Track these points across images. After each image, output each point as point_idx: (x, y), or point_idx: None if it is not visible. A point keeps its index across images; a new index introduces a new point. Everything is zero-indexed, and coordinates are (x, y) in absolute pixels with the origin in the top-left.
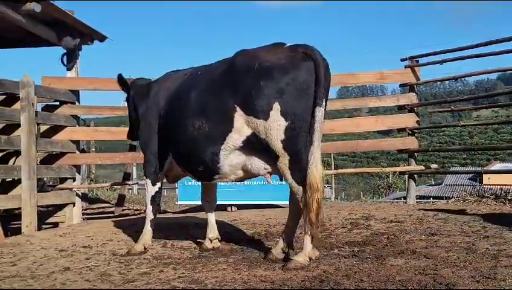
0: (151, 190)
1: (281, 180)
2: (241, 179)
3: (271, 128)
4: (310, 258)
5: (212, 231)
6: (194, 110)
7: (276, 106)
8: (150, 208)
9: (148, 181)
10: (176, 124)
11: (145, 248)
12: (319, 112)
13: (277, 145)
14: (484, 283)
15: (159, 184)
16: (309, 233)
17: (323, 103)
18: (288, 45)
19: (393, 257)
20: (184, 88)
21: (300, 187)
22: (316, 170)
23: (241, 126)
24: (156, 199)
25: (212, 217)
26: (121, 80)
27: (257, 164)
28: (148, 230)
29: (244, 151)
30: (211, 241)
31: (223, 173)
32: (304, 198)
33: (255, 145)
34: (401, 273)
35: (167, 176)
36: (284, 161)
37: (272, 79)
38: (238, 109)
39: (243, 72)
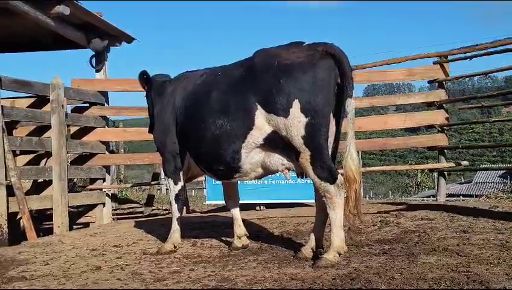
0: (174, 188)
1: (299, 176)
2: (259, 177)
3: (291, 125)
4: (340, 253)
5: (240, 228)
6: (214, 109)
7: (296, 103)
8: (175, 206)
9: (170, 180)
10: (195, 124)
11: (174, 247)
12: (350, 103)
13: (298, 141)
14: None
15: (181, 182)
16: (338, 229)
17: (353, 95)
18: (307, 43)
19: (425, 254)
20: (203, 88)
21: (323, 182)
22: (352, 162)
23: (262, 124)
24: (179, 197)
25: (237, 214)
26: (142, 76)
27: (276, 160)
28: (176, 229)
29: (265, 148)
30: (240, 238)
31: (243, 171)
32: (337, 191)
33: (276, 142)
34: (433, 270)
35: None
36: (305, 157)
37: (291, 77)
38: (259, 106)
39: (263, 70)
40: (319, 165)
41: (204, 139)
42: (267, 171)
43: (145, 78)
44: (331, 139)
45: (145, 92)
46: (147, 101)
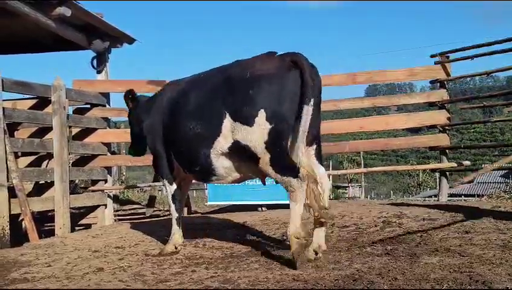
0: (170, 189)
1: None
2: (239, 181)
3: (254, 133)
4: (297, 238)
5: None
6: (191, 116)
7: (262, 113)
8: (173, 207)
9: (166, 181)
10: (176, 129)
11: (176, 248)
12: (305, 110)
13: (260, 147)
14: None
15: (176, 183)
16: (296, 217)
17: (311, 102)
18: (278, 54)
19: (427, 255)
20: (183, 94)
21: (285, 177)
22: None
23: (228, 132)
24: (176, 197)
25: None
26: (128, 94)
27: (249, 166)
28: (175, 230)
29: (234, 155)
30: None
31: (219, 174)
32: (294, 185)
33: (240, 150)
34: (435, 271)
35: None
36: (265, 160)
37: (259, 87)
38: (227, 115)
39: (235, 80)
40: (279, 164)
41: (183, 143)
42: (246, 176)
43: (130, 97)
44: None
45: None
46: (129, 119)
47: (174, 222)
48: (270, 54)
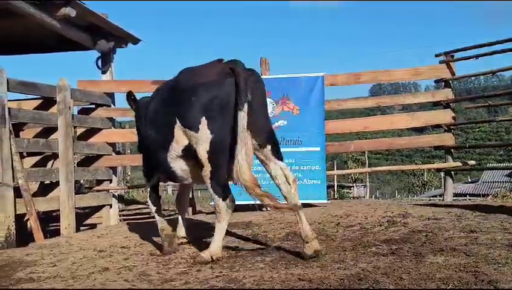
0: (148, 189)
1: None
2: (201, 182)
3: (200, 140)
4: (212, 258)
5: (181, 231)
6: (154, 122)
7: (204, 120)
8: (151, 206)
9: (147, 181)
10: (147, 134)
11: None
12: (240, 115)
13: (204, 155)
14: None
15: (154, 181)
16: (218, 237)
17: (244, 108)
18: (223, 61)
19: (433, 254)
20: (152, 101)
21: (216, 197)
22: (244, 173)
23: (179, 137)
24: (151, 197)
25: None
26: (129, 96)
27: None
28: (159, 222)
29: (189, 159)
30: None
31: (181, 176)
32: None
33: (192, 153)
34: (441, 270)
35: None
36: (207, 171)
37: (201, 95)
38: (178, 121)
39: (182, 88)
40: (216, 182)
41: (150, 147)
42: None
43: (132, 98)
44: (247, 151)
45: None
46: (136, 121)
47: (157, 218)
48: (216, 62)
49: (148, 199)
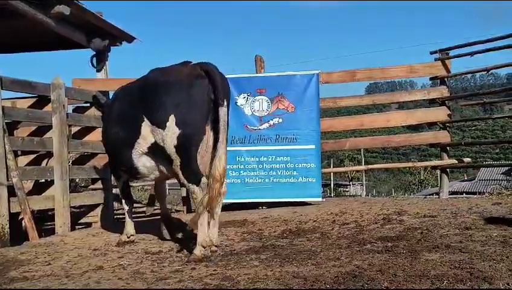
0: (119, 184)
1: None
2: (164, 179)
3: (167, 136)
4: (204, 246)
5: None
6: (119, 120)
7: (172, 118)
8: (124, 206)
9: (116, 181)
10: (111, 132)
11: (128, 237)
12: (221, 111)
13: (172, 150)
14: None
15: (123, 179)
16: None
17: (224, 104)
18: (192, 63)
19: (428, 251)
20: (119, 99)
21: (190, 184)
22: (219, 163)
23: (147, 134)
24: (124, 192)
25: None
26: (94, 99)
27: (167, 166)
28: (127, 221)
29: (153, 155)
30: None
31: (142, 173)
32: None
33: (158, 150)
34: (436, 267)
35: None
36: (176, 163)
37: (170, 94)
38: (145, 119)
39: (151, 87)
40: (187, 171)
41: (115, 146)
42: (165, 175)
43: (97, 100)
44: (207, 149)
45: None
46: (102, 120)
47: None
48: (184, 63)
49: (121, 196)
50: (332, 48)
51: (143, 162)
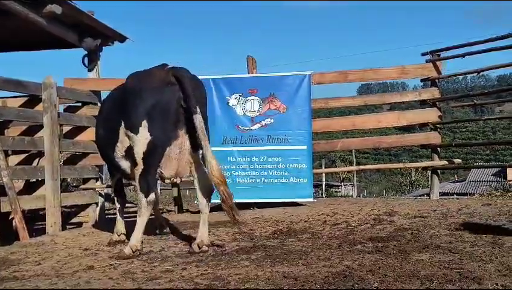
0: (112, 182)
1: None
2: None
3: (139, 141)
4: (133, 250)
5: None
6: (105, 121)
7: (144, 123)
8: (116, 204)
9: (110, 175)
10: (99, 133)
11: (118, 236)
12: (196, 119)
13: (140, 155)
14: (511, 276)
15: (117, 177)
16: (138, 232)
17: (197, 111)
18: (167, 67)
19: (418, 252)
20: (107, 102)
21: (140, 193)
22: (212, 169)
23: (123, 138)
24: (118, 192)
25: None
26: None
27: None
28: (118, 219)
29: (130, 159)
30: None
31: (128, 174)
32: (146, 205)
33: (132, 154)
34: (426, 268)
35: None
36: (139, 169)
37: (143, 99)
38: (122, 123)
39: (128, 92)
40: (143, 179)
41: (102, 146)
42: None
43: None
44: (183, 152)
45: None
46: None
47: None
48: (159, 67)
49: (113, 194)
50: (332, 48)
51: (126, 164)
